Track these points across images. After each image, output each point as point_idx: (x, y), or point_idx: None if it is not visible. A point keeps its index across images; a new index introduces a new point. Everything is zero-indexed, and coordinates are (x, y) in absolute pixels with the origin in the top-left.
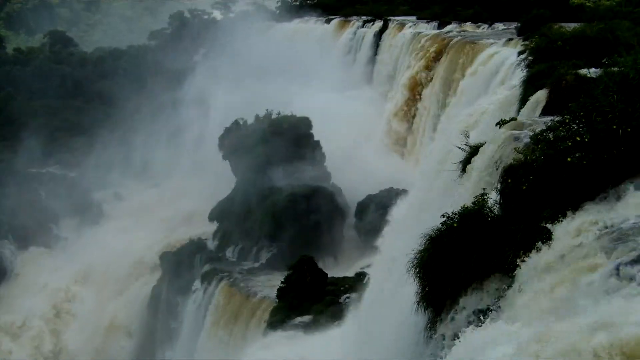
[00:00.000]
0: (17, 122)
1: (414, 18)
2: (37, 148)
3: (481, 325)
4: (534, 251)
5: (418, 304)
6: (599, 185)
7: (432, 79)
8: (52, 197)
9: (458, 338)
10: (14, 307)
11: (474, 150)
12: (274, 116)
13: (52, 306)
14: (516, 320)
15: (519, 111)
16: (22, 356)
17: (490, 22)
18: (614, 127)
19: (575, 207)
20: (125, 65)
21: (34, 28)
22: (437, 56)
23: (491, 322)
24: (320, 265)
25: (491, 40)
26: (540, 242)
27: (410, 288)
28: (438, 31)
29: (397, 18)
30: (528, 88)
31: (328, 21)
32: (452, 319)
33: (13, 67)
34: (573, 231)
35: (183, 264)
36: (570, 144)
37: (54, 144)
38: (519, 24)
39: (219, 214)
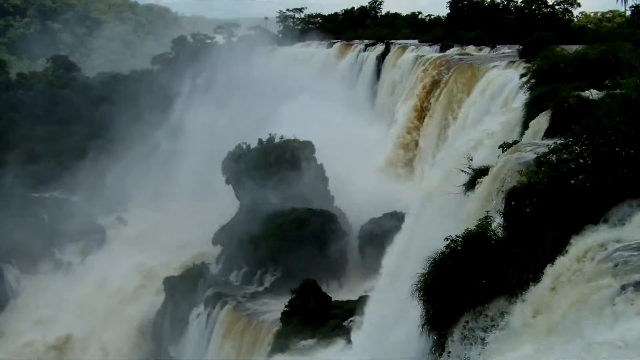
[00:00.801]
0: (20, 147)
1: (415, 41)
2: (40, 172)
3: (486, 348)
4: (538, 274)
5: (423, 326)
6: (602, 208)
7: (434, 102)
8: (56, 221)
9: None
10: (16, 332)
11: (478, 173)
12: (277, 140)
13: (54, 331)
14: (521, 343)
15: (521, 134)
16: None
17: (492, 45)
18: (617, 149)
19: (579, 229)
20: (127, 89)
21: (36, 53)
22: (440, 79)
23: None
24: (324, 288)
25: (493, 63)
26: (544, 264)
27: (414, 311)
28: (440, 54)
29: (399, 42)
30: (531, 110)
31: (330, 45)
32: (457, 341)
33: (16, 92)
34: (577, 253)
35: (187, 288)
36: (573, 166)
37: (57, 168)
38: (520, 47)
39: (222, 237)
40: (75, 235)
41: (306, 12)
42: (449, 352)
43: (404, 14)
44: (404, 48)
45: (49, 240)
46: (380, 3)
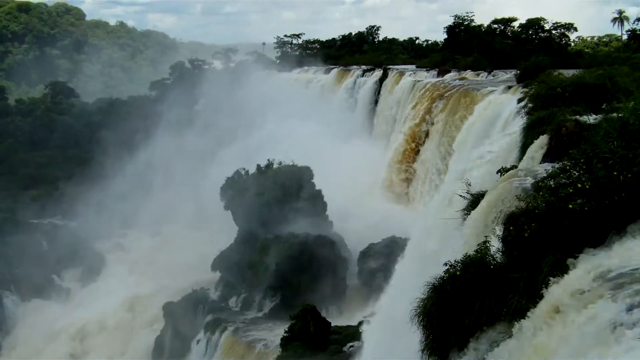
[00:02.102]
0: (18, 173)
1: (413, 67)
2: (39, 198)
3: None
4: (537, 298)
5: (422, 352)
6: (601, 232)
7: (432, 127)
8: (54, 247)
9: None
10: (14, 358)
11: (476, 199)
12: (275, 166)
13: (54, 357)
14: None
15: (519, 158)
16: None
17: (490, 69)
18: (615, 173)
19: (578, 253)
20: (125, 115)
21: (34, 79)
22: (437, 104)
23: None
24: (324, 314)
25: (491, 88)
26: (543, 289)
27: (414, 337)
28: (438, 79)
29: (396, 67)
30: (528, 135)
31: (328, 71)
32: None
33: (14, 118)
34: (576, 277)
35: (186, 314)
36: (571, 190)
37: (55, 194)
38: (518, 72)
39: (221, 263)
40: (74, 261)
41: (304, 37)
42: None
43: (401, 39)
44: (402, 73)
45: (48, 267)
46: (378, 28)
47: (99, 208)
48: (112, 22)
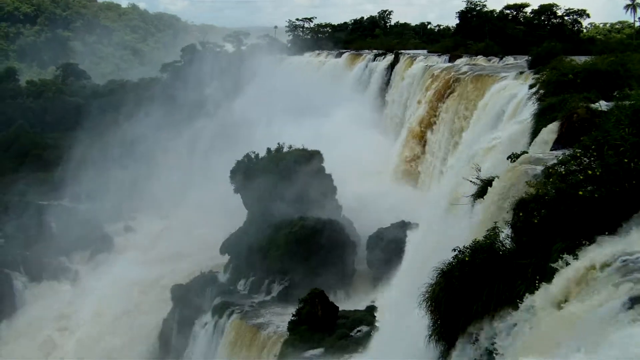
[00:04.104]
0: (29, 154)
1: (425, 52)
2: (49, 180)
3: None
4: (546, 284)
5: (430, 337)
6: (611, 219)
7: (443, 112)
8: (64, 229)
9: None
10: (23, 339)
11: (486, 184)
12: (285, 149)
13: (62, 338)
14: (529, 355)
15: (530, 144)
16: None
17: (501, 55)
18: (626, 160)
19: (588, 240)
20: (137, 97)
21: (46, 61)
22: (449, 89)
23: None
24: (332, 298)
25: (502, 74)
26: (552, 276)
27: (422, 321)
28: (449, 65)
29: (408, 52)
30: (539, 121)
31: (339, 55)
32: (464, 352)
33: (26, 99)
34: (585, 264)
35: (194, 297)
36: (582, 177)
37: (65, 176)
38: (529, 58)
39: (230, 246)
40: (83, 243)
41: (316, 21)
42: None
43: (413, 24)
44: (413, 58)
45: (57, 249)
46: (390, 13)
47: (108, 190)
48: (124, 4)
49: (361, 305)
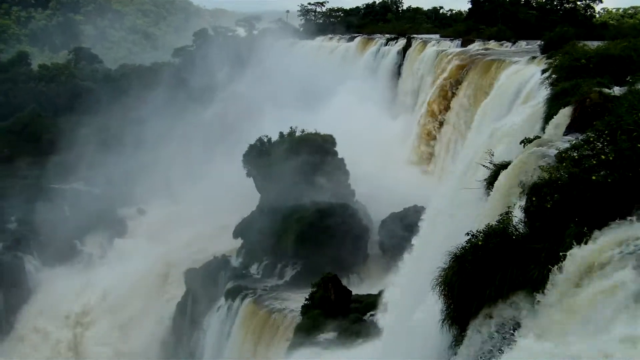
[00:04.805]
0: (41, 139)
1: (437, 36)
2: (62, 164)
3: (505, 343)
4: (559, 269)
5: (443, 321)
6: (624, 204)
7: (455, 96)
8: (77, 213)
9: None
10: (36, 323)
11: (499, 168)
12: (297, 134)
13: (74, 321)
14: (542, 338)
15: (543, 129)
16: None
17: (514, 40)
18: (639, 145)
19: (601, 225)
20: (149, 82)
21: (58, 45)
22: (461, 74)
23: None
24: (345, 282)
25: (515, 59)
26: (565, 260)
27: (435, 306)
28: (461, 49)
29: (420, 36)
30: (552, 106)
31: (351, 39)
32: (477, 337)
33: (38, 84)
34: (598, 249)
35: (207, 281)
36: (594, 162)
37: (78, 160)
38: (542, 42)
39: (243, 230)
40: (95, 227)
41: (328, 6)
42: (469, 346)
43: (425, 8)
44: (426, 43)
45: (70, 232)
46: None
47: (121, 174)
48: None
49: (374, 290)
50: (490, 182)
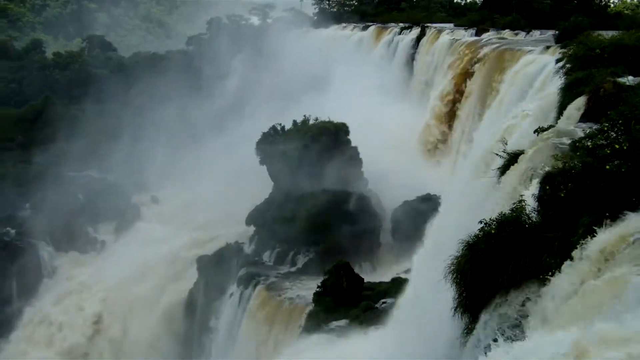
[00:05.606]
0: (56, 126)
1: (451, 25)
2: (76, 152)
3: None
4: (571, 259)
5: (455, 309)
6: (637, 193)
7: (469, 85)
8: (90, 200)
9: (495, 343)
10: (50, 310)
11: (512, 157)
12: (311, 122)
13: (87, 308)
14: (553, 327)
15: (557, 118)
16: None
17: (528, 29)
18: None
19: (615, 215)
20: (163, 70)
21: (72, 33)
22: (475, 63)
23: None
24: (357, 270)
25: (529, 48)
26: (578, 250)
27: (447, 294)
28: (476, 38)
29: (434, 25)
30: (566, 95)
31: (365, 28)
32: (489, 324)
33: (52, 71)
34: (612, 239)
35: (220, 268)
36: (608, 151)
37: (92, 147)
38: (556, 32)
39: (255, 218)
40: (109, 214)
41: None
42: (480, 334)
43: None
44: (440, 31)
45: (84, 219)
46: None
47: (135, 162)
48: None
49: (386, 278)
50: (504, 170)
